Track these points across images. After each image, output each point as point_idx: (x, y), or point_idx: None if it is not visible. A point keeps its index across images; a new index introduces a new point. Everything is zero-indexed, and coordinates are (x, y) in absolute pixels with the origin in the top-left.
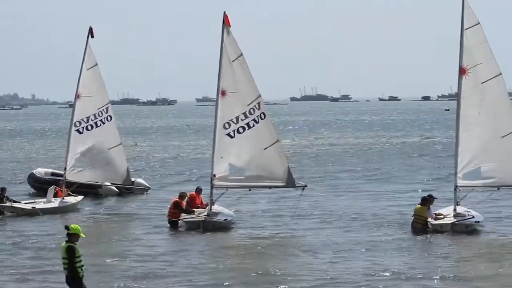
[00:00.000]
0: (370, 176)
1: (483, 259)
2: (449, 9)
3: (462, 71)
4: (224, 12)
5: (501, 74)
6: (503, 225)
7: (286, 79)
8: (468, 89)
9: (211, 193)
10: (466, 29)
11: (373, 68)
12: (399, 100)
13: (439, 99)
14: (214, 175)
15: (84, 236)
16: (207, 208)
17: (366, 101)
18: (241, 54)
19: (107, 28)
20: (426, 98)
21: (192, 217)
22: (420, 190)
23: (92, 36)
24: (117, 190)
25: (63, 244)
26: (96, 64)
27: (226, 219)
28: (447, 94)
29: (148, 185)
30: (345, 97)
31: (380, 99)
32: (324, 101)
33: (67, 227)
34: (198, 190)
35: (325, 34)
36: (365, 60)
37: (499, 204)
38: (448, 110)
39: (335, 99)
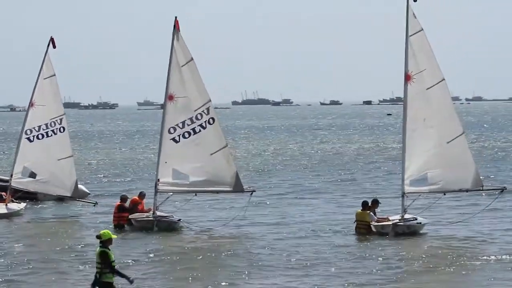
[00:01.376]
0: (319, 183)
1: (424, 262)
2: (393, 16)
3: (407, 78)
4: (176, 17)
5: (444, 80)
6: (447, 228)
7: (228, 83)
8: (413, 95)
9: (155, 197)
10: (411, 35)
11: (314, 72)
12: (341, 104)
13: (380, 103)
14: (158, 180)
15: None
16: (150, 213)
17: (308, 105)
18: (192, 59)
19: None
20: (367, 103)
21: (144, 216)
22: (366, 196)
23: (54, 47)
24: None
25: (98, 249)
26: (54, 75)
27: (180, 219)
28: (388, 99)
29: (92, 201)
30: (287, 101)
31: (322, 103)
32: (266, 105)
33: (98, 236)
34: (141, 195)
35: (265, 38)
36: (306, 64)
37: (443, 208)
38: (390, 114)
39: (276, 103)
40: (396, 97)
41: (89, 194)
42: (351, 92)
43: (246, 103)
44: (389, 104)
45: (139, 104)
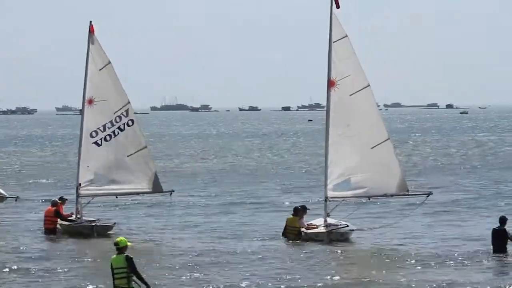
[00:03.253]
0: (246, 187)
1: (356, 266)
2: (316, 22)
3: (330, 84)
4: (90, 22)
5: (369, 86)
6: (372, 233)
7: (147, 88)
8: (337, 101)
9: (77, 202)
10: (334, 42)
11: (233, 78)
12: (259, 110)
13: (299, 109)
14: (80, 184)
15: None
16: (72, 217)
17: (226, 111)
18: (109, 62)
19: None
20: (286, 109)
21: (76, 222)
22: (292, 202)
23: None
24: None
25: (116, 256)
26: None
27: (115, 223)
28: (307, 105)
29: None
30: (205, 107)
31: (240, 109)
32: (185, 111)
33: (116, 243)
34: (62, 200)
35: (185, 42)
36: (225, 69)
37: (369, 213)
38: (311, 120)
39: (195, 109)
40: (314, 103)
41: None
42: (270, 98)
43: (165, 109)
44: (308, 110)
45: (58, 109)
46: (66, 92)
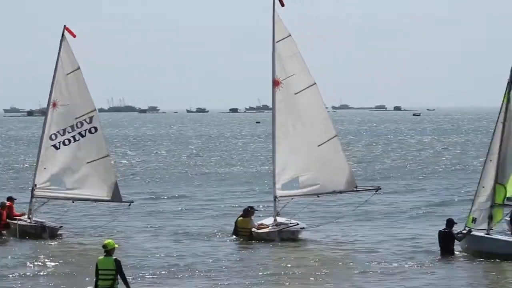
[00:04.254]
0: (194, 189)
1: (306, 265)
2: (260, 22)
3: (275, 83)
4: (64, 26)
5: (315, 84)
6: (320, 231)
7: (94, 89)
8: (282, 100)
9: (31, 202)
10: (278, 41)
11: (180, 79)
12: (207, 112)
13: (246, 111)
14: (35, 185)
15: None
16: (24, 217)
17: (174, 112)
18: (78, 68)
19: None
20: (234, 110)
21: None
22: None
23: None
24: None
25: (103, 258)
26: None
27: (62, 226)
28: (255, 106)
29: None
30: (153, 109)
31: (188, 111)
32: (132, 113)
33: (104, 246)
34: (11, 200)
35: (132, 44)
36: (173, 71)
37: (317, 211)
38: (259, 122)
39: (143, 111)
40: (262, 105)
41: None
42: (217, 99)
43: (113, 110)
44: (256, 112)
45: (6, 110)
46: (16, 94)
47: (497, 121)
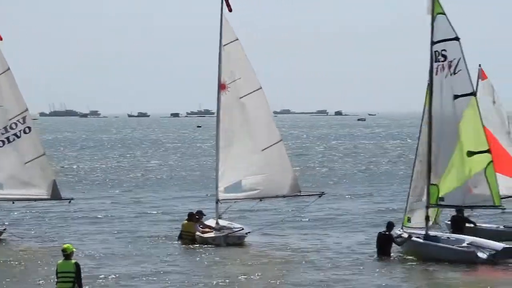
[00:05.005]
0: (140, 194)
1: (253, 268)
2: (206, 25)
3: (221, 87)
4: None
5: (260, 88)
6: (265, 236)
7: (35, 94)
8: (228, 104)
9: None
10: (225, 45)
11: (121, 83)
12: (148, 116)
13: (188, 115)
14: None
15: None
16: None
17: (115, 117)
18: (8, 69)
19: None
20: (175, 115)
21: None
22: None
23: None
24: None
25: (63, 261)
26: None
27: (5, 229)
28: (196, 111)
29: None
30: (94, 113)
31: (130, 115)
32: (74, 117)
33: (63, 250)
34: None
35: (71, 47)
36: (114, 75)
37: (260, 215)
38: (200, 126)
39: (84, 115)
40: (204, 110)
41: None
42: (158, 104)
43: (54, 115)
44: (197, 116)
45: None
46: None
47: (421, 123)
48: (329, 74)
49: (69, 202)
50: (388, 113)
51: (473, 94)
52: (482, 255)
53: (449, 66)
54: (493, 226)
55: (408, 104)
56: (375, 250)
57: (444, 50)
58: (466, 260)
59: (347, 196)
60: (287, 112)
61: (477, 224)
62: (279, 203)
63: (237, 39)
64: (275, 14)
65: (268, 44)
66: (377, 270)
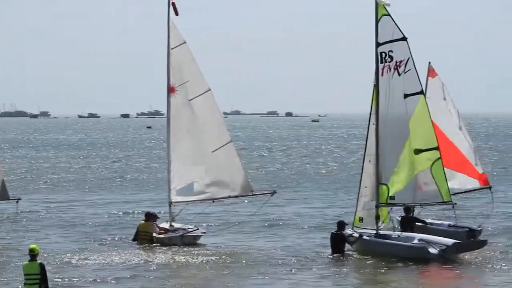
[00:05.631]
0: (95, 195)
1: (209, 268)
2: (154, 28)
3: (171, 90)
4: None
5: (210, 90)
6: (219, 236)
7: None
8: (178, 106)
9: None
10: (173, 48)
11: (72, 84)
12: (99, 117)
13: (138, 116)
14: None
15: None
16: None
17: (66, 118)
18: None
19: None
20: (125, 116)
21: None
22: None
23: None
24: None
25: (28, 263)
26: None
27: None
28: (146, 112)
29: None
30: (44, 114)
31: (80, 116)
32: (24, 118)
33: (31, 250)
34: None
35: (22, 49)
36: (66, 76)
37: (212, 216)
38: (150, 127)
39: (34, 116)
40: (154, 110)
41: None
42: (108, 105)
43: (4, 116)
44: (147, 118)
45: None
46: None
47: (368, 123)
48: (277, 75)
49: (17, 202)
50: (339, 114)
51: (422, 92)
52: (433, 251)
53: (398, 67)
54: (444, 223)
55: (357, 105)
56: (330, 249)
57: (391, 51)
58: (418, 256)
59: (303, 197)
60: (237, 113)
61: (427, 223)
62: (236, 204)
63: (185, 42)
64: (220, 15)
65: (220, 45)
66: (331, 269)
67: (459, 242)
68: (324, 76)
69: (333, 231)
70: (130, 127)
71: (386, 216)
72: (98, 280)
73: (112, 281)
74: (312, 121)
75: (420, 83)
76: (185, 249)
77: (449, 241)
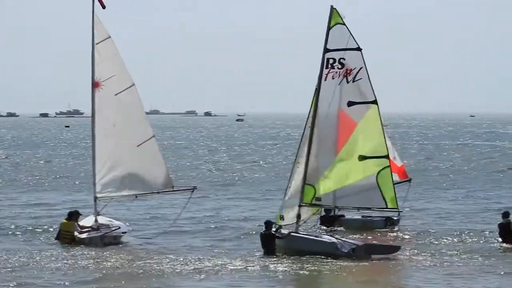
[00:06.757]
0: (16, 194)
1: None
2: (79, 23)
3: (95, 85)
4: None
5: (134, 85)
6: (142, 235)
7: None
8: (102, 101)
9: None
10: (97, 43)
11: None
12: (17, 116)
13: (57, 115)
14: None
15: None
16: None
17: None
18: None
19: None
20: (44, 115)
21: None
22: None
23: None
24: None
25: None
26: None
27: None
28: (65, 111)
29: None
30: None
31: None
32: None
33: None
34: None
35: None
36: None
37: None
38: (68, 126)
39: None
40: (73, 109)
41: None
42: (27, 104)
43: None
44: (67, 117)
45: None
46: None
47: (305, 125)
48: (197, 75)
49: None
50: (261, 113)
51: (375, 102)
52: (344, 249)
53: (348, 74)
54: (357, 216)
55: (274, 106)
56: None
57: (343, 58)
58: (329, 253)
59: (230, 197)
60: (156, 112)
61: (343, 217)
62: (163, 201)
63: (110, 37)
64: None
65: (140, 42)
66: (264, 267)
67: (368, 244)
68: (242, 77)
69: (261, 232)
70: (49, 126)
71: (309, 216)
72: (14, 283)
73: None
74: (237, 120)
75: (374, 93)
76: (104, 250)
77: (359, 242)
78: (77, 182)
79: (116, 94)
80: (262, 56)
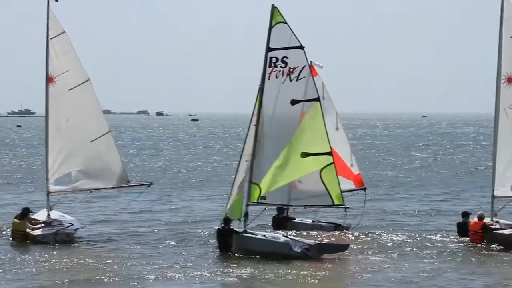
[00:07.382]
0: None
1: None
2: (33, 19)
3: (49, 80)
4: None
5: (89, 80)
6: (92, 230)
7: None
8: (56, 96)
9: None
10: (52, 38)
11: None
12: None
13: (9, 115)
14: None
15: None
16: None
17: None
18: None
19: None
20: None
21: None
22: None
23: None
24: None
25: None
26: None
27: None
28: (17, 111)
29: None
30: None
31: None
32: None
33: None
34: None
35: None
36: None
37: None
38: (20, 126)
39: None
40: (25, 109)
41: None
42: None
43: None
44: (18, 116)
45: None
46: None
47: (249, 123)
48: (147, 75)
49: None
50: (212, 113)
51: (318, 100)
52: (296, 249)
53: (290, 73)
54: (307, 220)
55: (227, 106)
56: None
57: (286, 57)
58: (282, 253)
59: (193, 194)
60: (107, 112)
61: (295, 220)
62: (117, 196)
63: (64, 32)
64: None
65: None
66: (223, 264)
67: (320, 243)
68: (194, 76)
69: (219, 227)
70: (1, 126)
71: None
72: None
73: None
74: (192, 120)
75: (317, 91)
76: (56, 247)
77: (312, 242)
78: (28, 181)
79: (69, 90)
80: (218, 57)
